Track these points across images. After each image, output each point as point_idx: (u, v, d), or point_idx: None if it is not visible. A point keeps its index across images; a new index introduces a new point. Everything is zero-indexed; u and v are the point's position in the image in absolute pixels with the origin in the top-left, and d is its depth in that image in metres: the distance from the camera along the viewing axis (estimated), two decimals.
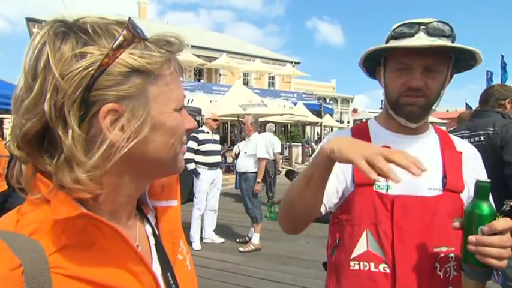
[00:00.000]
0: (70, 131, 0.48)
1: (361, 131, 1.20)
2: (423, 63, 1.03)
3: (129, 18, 0.54)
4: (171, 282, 0.62)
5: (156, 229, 0.67)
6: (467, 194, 1.12)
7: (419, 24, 1.04)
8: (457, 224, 0.91)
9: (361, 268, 1.05)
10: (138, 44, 0.53)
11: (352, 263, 1.06)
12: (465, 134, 2.61)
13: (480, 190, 0.89)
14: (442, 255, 1.05)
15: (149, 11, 32.01)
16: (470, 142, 2.56)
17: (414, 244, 1.03)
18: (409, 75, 1.05)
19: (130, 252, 0.54)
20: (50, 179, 0.51)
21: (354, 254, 1.07)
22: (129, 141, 0.52)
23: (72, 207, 0.48)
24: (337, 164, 1.07)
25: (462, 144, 1.21)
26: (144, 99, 0.53)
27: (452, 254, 1.07)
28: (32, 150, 0.50)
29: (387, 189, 1.07)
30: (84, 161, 0.49)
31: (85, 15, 0.53)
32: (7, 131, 8.50)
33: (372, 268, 1.04)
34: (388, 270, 1.02)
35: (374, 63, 1.17)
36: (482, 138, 2.49)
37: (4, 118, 7.65)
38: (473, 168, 1.17)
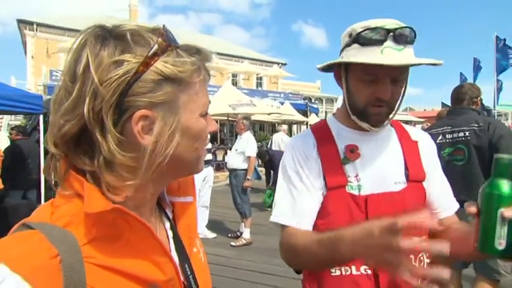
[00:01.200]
0: (109, 134, 0.49)
1: (323, 131, 1.15)
2: (393, 74, 0.99)
3: (163, 25, 0.54)
4: (189, 272, 0.64)
5: (173, 223, 0.68)
6: (427, 180, 1.12)
7: (387, 31, 0.97)
8: (473, 208, 0.79)
9: (343, 273, 1.02)
10: (171, 52, 0.53)
11: (333, 270, 1.02)
12: (447, 130, 2.68)
13: (500, 167, 0.75)
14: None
15: (140, 13, 31.64)
16: (454, 137, 2.62)
17: None
18: (378, 86, 1.00)
19: (156, 244, 0.55)
20: (83, 175, 0.52)
21: None
22: (158, 144, 0.53)
23: (105, 202, 0.50)
24: (304, 174, 1.08)
25: (416, 133, 1.20)
26: (175, 106, 0.54)
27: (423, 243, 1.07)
28: (69, 150, 0.52)
29: (359, 190, 1.05)
30: (122, 160, 0.50)
31: (123, 22, 0.54)
32: (0, 132, 8.32)
33: (354, 272, 1.01)
34: (369, 272, 1.00)
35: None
36: (467, 133, 2.56)
37: None
38: (430, 156, 1.16)
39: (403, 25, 0.99)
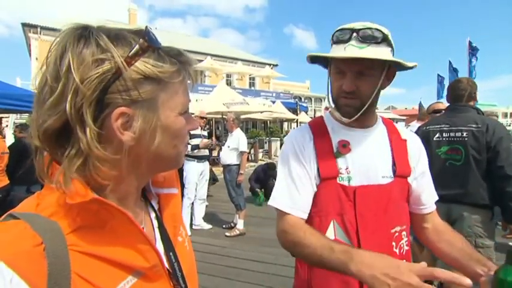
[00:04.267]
0: (88, 129, 0.48)
1: (320, 127, 1.18)
2: (354, 68, 1.03)
3: (146, 27, 0.54)
4: (173, 260, 0.64)
5: (158, 213, 0.68)
6: (413, 177, 1.15)
7: (352, 30, 1.02)
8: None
9: None
10: (152, 53, 0.53)
11: None
12: (445, 128, 2.52)
13: None
14: (397, 234, 1.08)
15: (139, 17, 31.22)
16: (451, 136, 2.46)
17: (375, 229, 1.04)
18: (343, 79, 1.05)
19: (137, 233, 0.55)
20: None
21: None
22: (139, 141, 0.53)
23: (86, 193, 0.49)
24: (302, 163, 1.11)
25: (406, 133, 1.23)
26: (155, 104, 0.54)
27: (404, 232, 1.11)
28: (50, 143, 0.51)
29: (349, 181, 1.07)
30: (99, 154, 0.50)
31: (105, 23, 0.54)
32: (6, 130, 8.20)
33: None
34: None
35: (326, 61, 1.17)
36: (465, 134, 2.40)
37: (2, 117, 7.39)
38: (417, 154, 1.18)
39: (370, 26, 1.02)
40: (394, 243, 1.07)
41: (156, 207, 0.69)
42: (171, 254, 0.64)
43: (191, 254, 0.73)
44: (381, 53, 1.02)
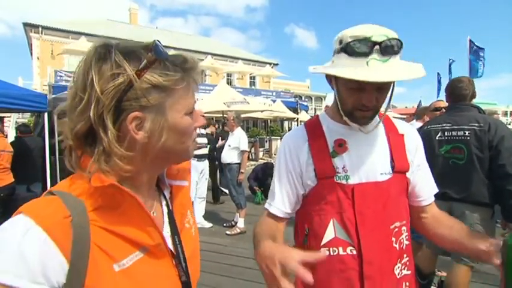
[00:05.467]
0: (109, 132, 0.59)
1: (315, 127, 1.18)
2: (377, 84, 0.99)
3: (154, 42, 0.63)
4: (177, 242, 0.74)
5: (169, 202, 0.79)
6: (411, 171, 1.14)
7: (373, 43, 0.94)
8: (497, 261, 0.92)
9: (331, 253, 1.06)
10: (159, 65, 0.63)
11: (322, 249, 1.08)
12: (446, 127, 2.52)
13: None
14: (396, 229, 1.09)
15: (140, 16, 31.29)
16: (453, 135, 2.46)
17: (374, 225, 1.05)
18: (362, 94, 1.02)
19: (145, 215, 0.64)
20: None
21: (323, 241, 1.08)
22: (151, 140, 0.64)
23: (105, 179, 0.60)
24: (289, 168, 1.15)
25: (403, 127, 1.21)
26: (162, 108, 0.64)
27: (404, 227, 1.11)
28: (80, 143, 0.62)
29: (347, 179, 1.08)
30: (117, 152, 0.60)
31: (121, 41, 0.65)
32: (7, 129, 8.21)
33: (341, 252, 1.06)
34: (354, 252, 1.05)
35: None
36: (467, 133, 2.39)
37: (4, 117, 7.41)
38: (414, 148, 1.18)
39: (390, 36, 0.96)
40: (393, 239, 1.08)
41: (167, 196, 0.79)
42: (175, 237, 0.74)
43: (196, 239, 0.83)
44: (398, 63, 0.98)
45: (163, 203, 0.78)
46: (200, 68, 0.71)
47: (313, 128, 1.18)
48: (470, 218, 2.37)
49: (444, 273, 3.32)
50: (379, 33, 0.96)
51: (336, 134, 1.13)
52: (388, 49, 0.95)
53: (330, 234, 1.07)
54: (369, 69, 0.95)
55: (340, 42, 1.01)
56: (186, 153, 0.72)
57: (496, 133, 2.30)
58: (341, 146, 1.10)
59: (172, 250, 0.72)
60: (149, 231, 0.65)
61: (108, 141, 0.59)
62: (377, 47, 0.95)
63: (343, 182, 1.08)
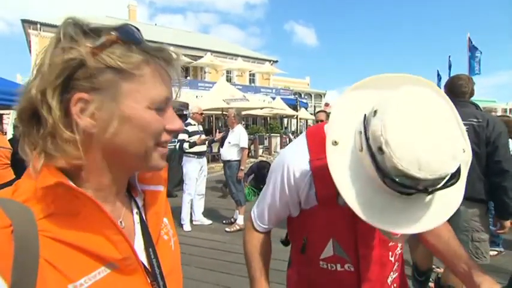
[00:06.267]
0: (53, 111, 0.51)
1: (323, 164, 0.89)
2: None
3: (125, 24, 0.56)
4: (152, 256, 0.63)
5: (142, 210, 0.68)
6: None
7: (426, 191, 0.71)
8: None
9: (329, 268, 1.06)
10: (121, 46, 0.55)
11: (321, 263, 1.07)
12: None
13: None
14: (393, 243, 1.06)
15: (139, 13, 31.17)
16: None
17: (374, 245, 1.03)
18: None
19: (108, 222, 0.54)
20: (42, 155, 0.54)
21: (322, 256, 1.06)
22: (99, 129, 0.54)
23: (50, 177, 0.50)
24: (285, 200, 1.07)
25: None
26: (115, 93, 0.54)
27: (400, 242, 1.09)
28: (25, 124, 0.54)
29: None
30: (63, 134, 0.52)
31: (105, 19, 0.55)
32: (6, 126, 8.19)
33: (338, 268, 1.05)
34: (352, 269, 1.04)
35: None
36: (466, 128, 2.42)
37: (3, 114, 7.39)
38: None
39: (444, 173, 0.69)
40: (390, 253, 1.07)
41: (140, 204, 0.68)
42: (150, 250, 0.63)
43: (175, 254, 0.72)
44: (440, 207, 0.78)
45: (135, 211, 0.66)
46: (178, 61, 0.61)
47: (318, 155, 0.98)
48: (465, 214, 2.38)
49: (441, 270, 3.34)
50: (435, 172, 0.68)
51: None
52: (434, 191, 0.72)
53: (328, 251, 1.05)
54: (394, 216, 0.76)
55: (380, 149, 0.71)
56: (147, 157, 0.59)
57: (494, 129, 2.32)
58: None
59: (146, 265, 0.61)
60: (115, 241, 0.54)
61: (53, 122, 0.51)
62: (428, 192, 0.72)
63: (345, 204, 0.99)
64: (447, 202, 0.78)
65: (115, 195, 0.62)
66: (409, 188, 0.70)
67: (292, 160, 1.05)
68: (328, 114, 4.75)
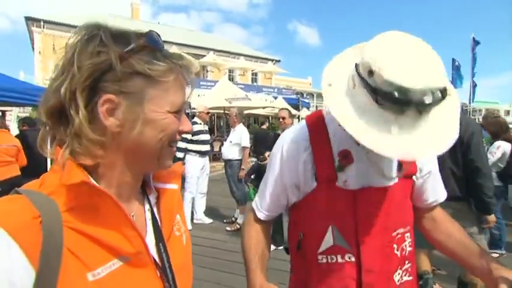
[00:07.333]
0: (80, 112, 0.54)
1: (320, 132, 1.03)
2: None
3: (150, 31, 0.60)
4: (162, 250, 0.66)
5: (154, 207, 0.71)
6: (419, 175, 1.08)
7: (417, 104, 0.74)
8: None
9: (329, 261, 1.01)
10: (149, 53, 0.58)
11: (320, 257, 1.02)
12: None
13: None
14: (399, 236, 1.04)
15: (142, 12, 31.20)
16: None
17: (375, 232, 0.99)
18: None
19: (124, 217, 0.58)
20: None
21: (320, 249, 1.02)
22: (123, 130, 0.58)
23: (77, 176, 0.54)
24: (285, 181, 1.06)
25: None
26: (141, 98, 0.58)
27: (407, 234, 1.06)
28: (53, 121, 0.58)
29: (350, 185, 0.99)
30: (89, 134, 0.55)
31: (108, 17, 0.57)
32: (10, 123, 8.22)
33: (339, 260, 1.00)
34: (353, 259, 1.00)
35: None
36: None
37: (6, 111, 7.42)
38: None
39: (434, 86, 0.74)
40: (395, 246, 1.03)
41: (153, 201, 0.71)
42: (160, 245, 0.67)
43: (187, 249, 0.76)
44: (441, 132, 0.84)
45: (147, 207, 0.70)
46: (197, 69, 0.66)
47: (317, 133, 1.03)
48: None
49: (442, 271, 3.33)
50: (421, 83, 0.73)
51: (341, 143, 1.00)
52: (427, 108, 0.76)
53: (328, 241, 1.01)
54: (394, 139, 0.78)
55: (370, 72, 0.77)
56: (160, 156, 0.63)
57: (468, 129, 2.41)
58: (346, 157, 1.00)
59: (157, 260, 0.64)
60: (129, 236, 0.58)
61: (79, 122, 0.54)
62: (420, 107, 0.76)
63: (345, 186, 0.99)
64: (443, 132, 0.83)
65: (129, 191, 0.66)
66: (400, 101, 0.74)
67: (291, 138, 1.07)
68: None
